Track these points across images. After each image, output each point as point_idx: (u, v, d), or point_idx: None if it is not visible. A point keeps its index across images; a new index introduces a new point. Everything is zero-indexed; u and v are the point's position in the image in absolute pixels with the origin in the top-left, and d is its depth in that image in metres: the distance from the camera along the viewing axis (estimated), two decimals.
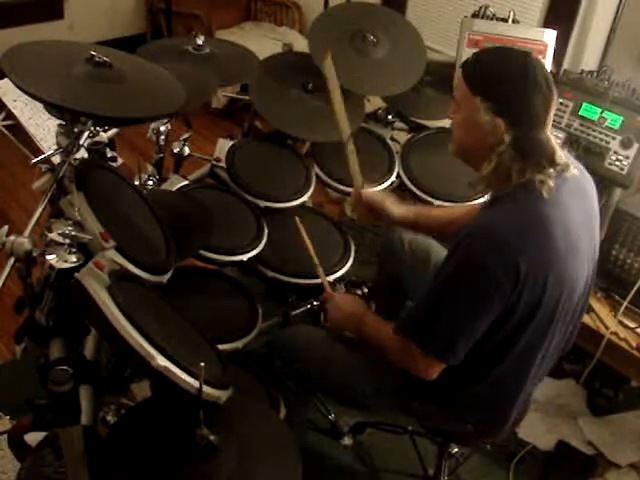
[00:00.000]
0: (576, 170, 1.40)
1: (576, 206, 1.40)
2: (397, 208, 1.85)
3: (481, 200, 2.01)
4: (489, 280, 1.30)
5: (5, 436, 1.55)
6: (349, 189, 2.23)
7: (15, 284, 1.40)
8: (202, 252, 1.85)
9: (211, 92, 1.76)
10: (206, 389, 1.18)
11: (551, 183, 1.33)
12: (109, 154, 1.78)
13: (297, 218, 1.85)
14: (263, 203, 2.08)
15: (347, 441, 2.14)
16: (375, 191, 1.93)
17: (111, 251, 1.33)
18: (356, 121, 2.27)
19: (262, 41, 4.11)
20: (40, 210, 1.39)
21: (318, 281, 1.84)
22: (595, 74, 2.34)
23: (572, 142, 2.29)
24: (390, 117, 2.50)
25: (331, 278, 2.03)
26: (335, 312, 1.67)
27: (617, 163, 2.22)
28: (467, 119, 1.39)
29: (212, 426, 1.18)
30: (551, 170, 1.34)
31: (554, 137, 1.38)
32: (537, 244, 1.32)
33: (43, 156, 1.49)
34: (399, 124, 2.55)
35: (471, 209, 1.79)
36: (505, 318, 1.35)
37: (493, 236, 1.32)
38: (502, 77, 1.34)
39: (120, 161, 1.89)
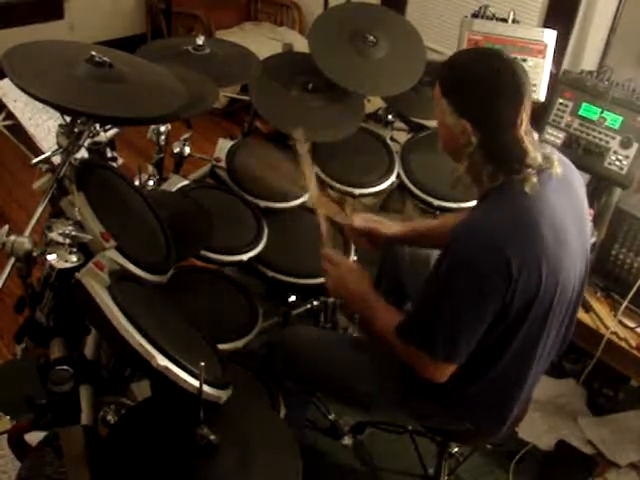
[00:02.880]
0: (560, 168, 1.39)
1: (563, 200, 1.40)
2: (392, 227, 1.82)
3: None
4: (482, 280, 1.30)
5: (5, 436, 1.55)
6: (349, 189, 2.24)
7: (15, 284, 1.40)
8: (202, 252, 1.85)
9: (214, 97, 1.76)
10: (206, 389, 1.18)
11: (534, 180, 1.33)
12: (109, 154, 1.79)
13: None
14: (263, 203, 2.08)
15: (347, 441, 2.14)
16: (364, 216, 1.87)
17: (111, 251, 1.33)
18: (356, 121, 2.27)
19: (262, 41, 4.11)
20: (40, 210, 1.39)
21: (318, 281, 1.82)
22: (595, 74, 2.34)
23: (572, 142, 2.29)
24: (390, 117, 2.50)
25: None
26: (338, 283, 1.62)
27: (617, 163, 2.22)
28: (441, 119, 1.41)
29: (212, 426, 1.18)
30: (529, 170, 1.33)
31: (533, 137, 1.37)
32: (525, 239, 1.32)
33: (43, 156, 1.50)
34: (399, 124, 2.55)
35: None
36: (502, 315, 1.35)
37: (481, 235, 1.32)
38: (468, 80, 1.35)
39: (120, 161, 1.90)
